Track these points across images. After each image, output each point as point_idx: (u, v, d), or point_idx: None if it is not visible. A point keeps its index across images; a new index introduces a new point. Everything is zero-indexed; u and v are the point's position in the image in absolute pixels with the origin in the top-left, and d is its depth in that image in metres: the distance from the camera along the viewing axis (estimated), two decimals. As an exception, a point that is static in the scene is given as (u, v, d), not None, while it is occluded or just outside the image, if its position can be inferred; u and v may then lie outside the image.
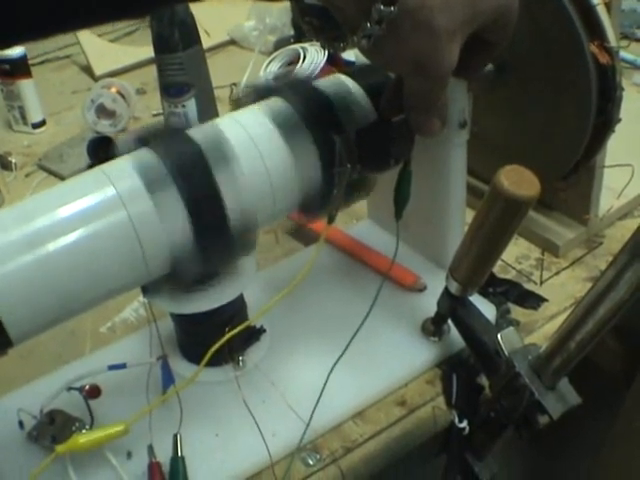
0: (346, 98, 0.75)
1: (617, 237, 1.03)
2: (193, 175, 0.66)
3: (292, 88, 0.75)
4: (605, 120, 0.89)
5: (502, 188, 0.65)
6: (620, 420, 1.26)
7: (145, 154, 0.67)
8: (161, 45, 1.19)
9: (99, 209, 0.64)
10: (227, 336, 0.71)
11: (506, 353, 0.71)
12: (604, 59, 0.85)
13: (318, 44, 1.48)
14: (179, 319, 0.82)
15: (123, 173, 0.66)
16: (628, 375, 1.14)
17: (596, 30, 0.84)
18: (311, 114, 0.72)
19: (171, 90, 1.22)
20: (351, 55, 1.41)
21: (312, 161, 0.72)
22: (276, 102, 0.74)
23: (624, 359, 1.09)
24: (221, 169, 0.67)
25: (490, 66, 0.85)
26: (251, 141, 0.70)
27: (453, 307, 0.79)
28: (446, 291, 0.79)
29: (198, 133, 0.69)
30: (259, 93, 0.76)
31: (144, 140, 0.69)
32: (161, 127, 0.71)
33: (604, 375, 1.04)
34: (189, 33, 1.20)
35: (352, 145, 0.71)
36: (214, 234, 0.68)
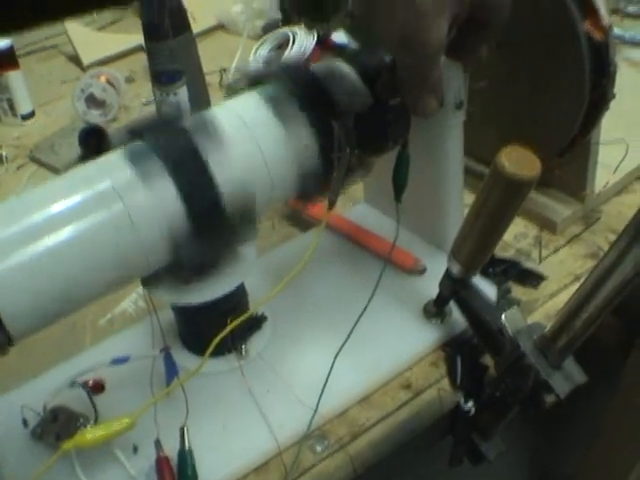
0: (342, 82, 0.74)
1: (614, 213, 1.03)
2: (186, 164, 0.65)
3: (287, 73, 0.74)
4: (600, 96, 0.89)
5: (503, 169, 0.65)
6: (618, 397, 1.27)
7: (138, 146, 0.67)
8: (151, 33, 1.18)
9: (95, 202, 0.63)
10: (230, 326, 0.71)
11: (510, 334, 0.71)
12: (598, 36, 0.85)
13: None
14: (180, 310, 0.81)
15: (117, 165, 0.65)
16: (624, 350, 1.14)
17: (589, 8, 0.84)
18: (308, 99, 0.72)
19: (162, 78, 1.21)
20: (342, 37, 1.39)
21: (310, 146, 0.71)
22: (271, 88, 0.74)
23: (620, 333, 1.09)
24: (214, 155, 0.66)
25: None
26: (246, 128, 0.70)
27: (455, 289, 0.79)
28: (448, 273, 0.79)
29: (189, 121, 0.69)
30: (253, 79, 0.76)
31: (137, 132, 0.68)
32: (153, 118, 0.70)
33: (602, 350, 1.04)
34: (179, 20, 1.19)
35: (350, 129, 0.70)
36: (211, 221, 0.67)
